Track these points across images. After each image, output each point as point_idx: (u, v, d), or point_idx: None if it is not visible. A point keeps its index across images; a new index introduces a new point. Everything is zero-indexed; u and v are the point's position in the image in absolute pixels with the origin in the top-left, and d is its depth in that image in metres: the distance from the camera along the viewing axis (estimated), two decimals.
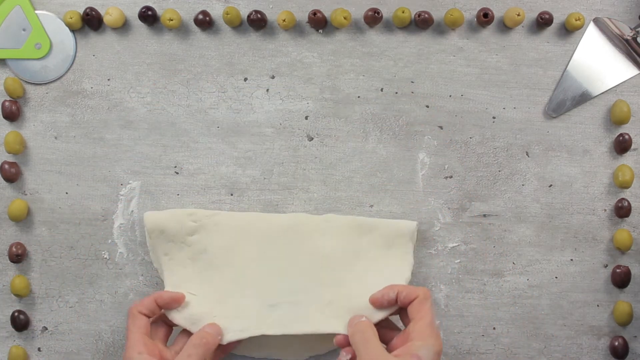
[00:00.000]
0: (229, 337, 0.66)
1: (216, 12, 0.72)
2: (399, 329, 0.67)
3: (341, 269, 0.68)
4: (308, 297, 0.67)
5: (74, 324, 0.73)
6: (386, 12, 0.72)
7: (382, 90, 0.72)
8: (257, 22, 0.71)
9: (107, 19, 0.71)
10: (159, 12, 0.72)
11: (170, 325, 0.67)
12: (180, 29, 0.72)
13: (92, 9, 0.71)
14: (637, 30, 0.71)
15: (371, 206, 0.72)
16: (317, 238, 0.69)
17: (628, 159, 0.72)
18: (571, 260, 0.72)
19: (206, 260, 0.69)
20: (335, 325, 0.66)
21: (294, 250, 0.69)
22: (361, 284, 0.68)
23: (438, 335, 0.61)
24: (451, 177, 0.72)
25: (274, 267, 0.69)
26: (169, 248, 0.69)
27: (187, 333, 0.66)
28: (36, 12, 0.72)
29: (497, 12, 0.71)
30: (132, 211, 0.72)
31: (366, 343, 0.61)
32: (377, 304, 0.65)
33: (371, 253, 0.69)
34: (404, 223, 0.70)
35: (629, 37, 0.71)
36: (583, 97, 0.72)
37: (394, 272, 0.68)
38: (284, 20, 0.70)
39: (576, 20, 0.71)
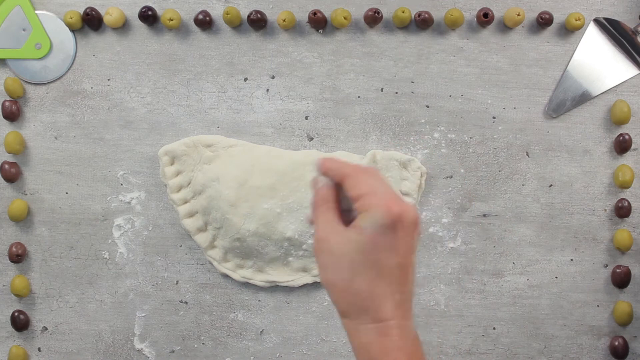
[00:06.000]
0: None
1: (216, 12, 0.72)
2: None
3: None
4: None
5: (74, 324, 0.73)
6: (386, 12, 0.72)
7: (382, 90, 0.72)
8: (257, 22, 0.71)
9: (107, 19, 0.71)
10: (159, 12, 0.72)
11: None
12: (180, 29, 0.72)
13: (92, 9, 0.71)
14: (637, 30, 0.71)
15: None
16: None
17: (628, 159, 0.72)
18: (571, 260, 0.72)
19: (216, 188, 0.69)
20: None
21: (303, 185, 0.69)
22: None
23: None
24: (451, 177, 0.72)
25: (283, 202, 0.69)
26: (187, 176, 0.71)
27: None
28: (36, 12, 0.72)
29: (497, 12, 0.71)
30: (132, 211, 0.72)
31: (318, 216, 0.53)
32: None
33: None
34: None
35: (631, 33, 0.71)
36: (583, 97, 0.72)
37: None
38: (284, 20, 0.70)
39: (576, 20, 0.71)
